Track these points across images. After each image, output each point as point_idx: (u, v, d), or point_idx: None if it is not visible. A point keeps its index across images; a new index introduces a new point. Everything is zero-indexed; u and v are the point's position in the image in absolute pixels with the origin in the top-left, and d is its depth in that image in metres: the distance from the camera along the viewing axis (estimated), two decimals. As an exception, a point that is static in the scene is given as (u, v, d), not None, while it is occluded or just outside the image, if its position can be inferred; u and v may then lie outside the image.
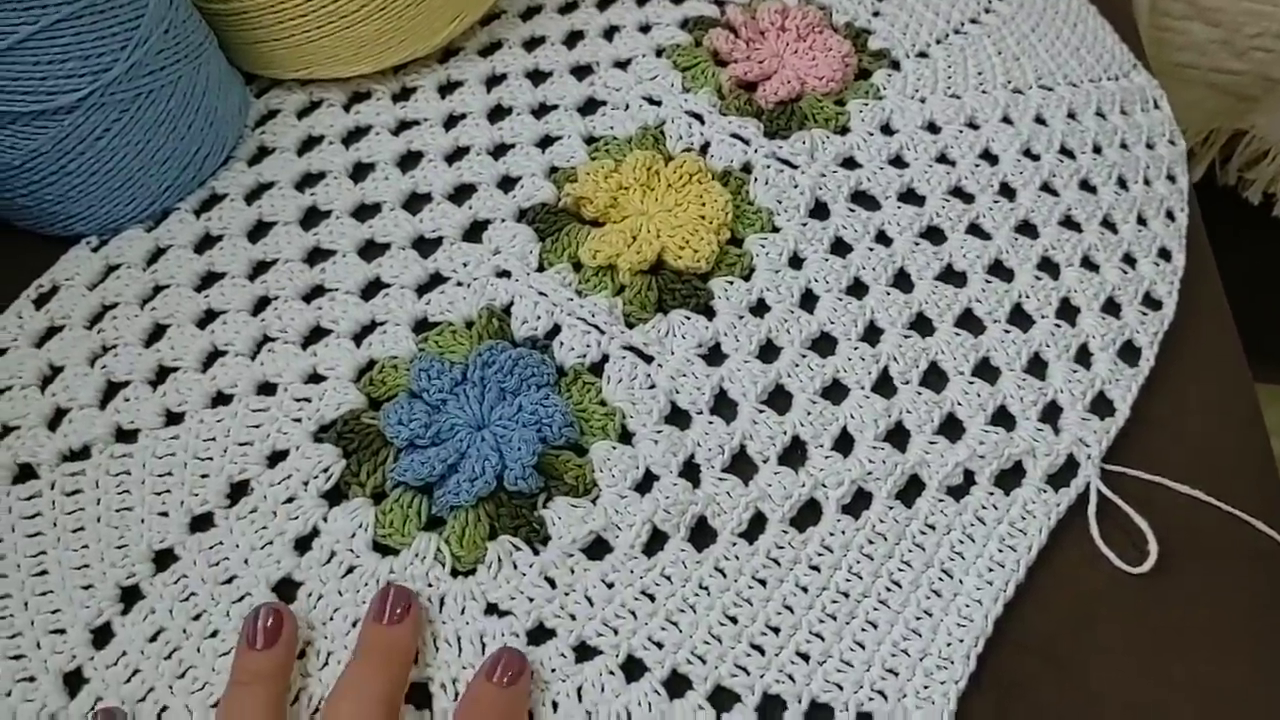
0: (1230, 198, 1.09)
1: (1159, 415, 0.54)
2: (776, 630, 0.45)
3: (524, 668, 0.42)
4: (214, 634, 0.44)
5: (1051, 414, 0.53)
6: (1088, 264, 0.59)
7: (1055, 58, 0.70)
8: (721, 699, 0.44)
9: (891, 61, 0.69)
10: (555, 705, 0.43)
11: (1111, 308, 0.57)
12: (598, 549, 0.47)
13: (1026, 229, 0.60)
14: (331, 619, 0.45)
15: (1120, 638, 0.47)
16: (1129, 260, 0.59)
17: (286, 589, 0.46)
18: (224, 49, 0.60)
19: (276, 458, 0.49)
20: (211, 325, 0.53)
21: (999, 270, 0.58)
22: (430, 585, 0.46)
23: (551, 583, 0.46)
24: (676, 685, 0.44)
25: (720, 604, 0.46)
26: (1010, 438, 0.51)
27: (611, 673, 0.44)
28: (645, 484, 0.49)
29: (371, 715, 0.40)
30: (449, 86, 0.65)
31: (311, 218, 0.58)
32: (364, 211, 0.58)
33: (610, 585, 0.46)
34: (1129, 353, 0.56)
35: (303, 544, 0.47)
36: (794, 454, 0.50)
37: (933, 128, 0.64)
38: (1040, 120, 0.66)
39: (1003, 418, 0.52)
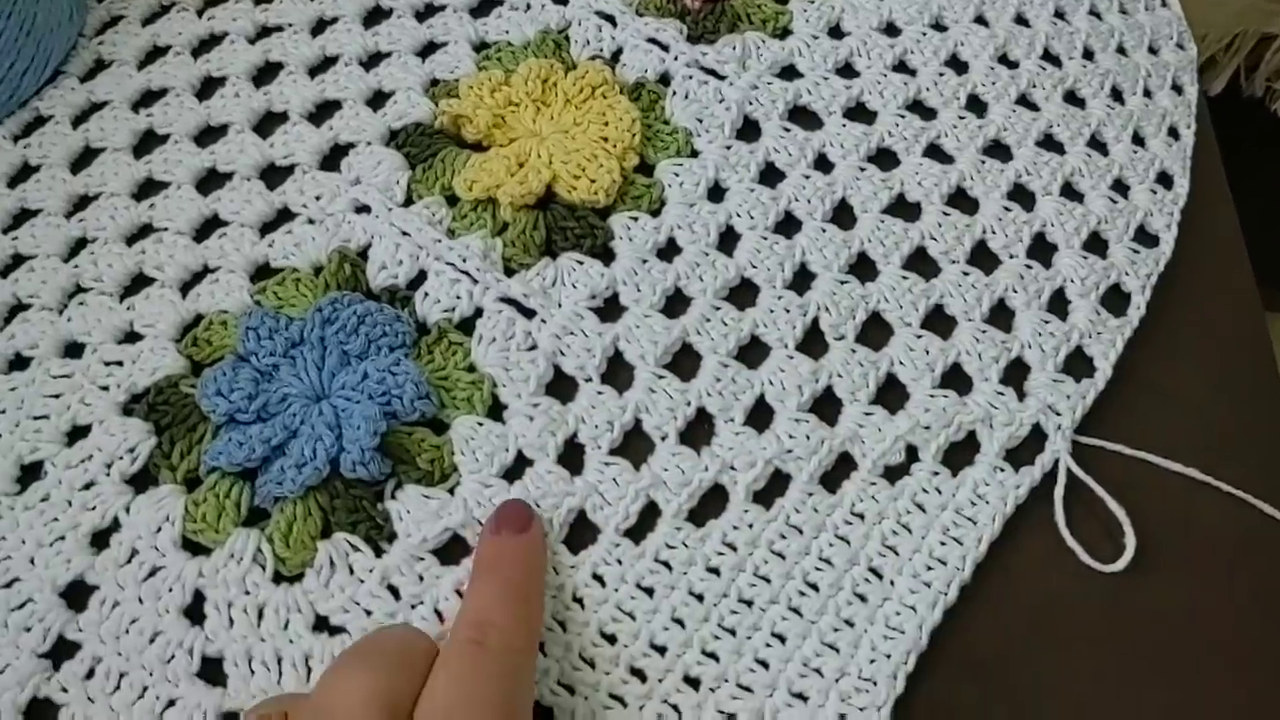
0: (1256, 112, 0.98)
1: (1148, 377, 0.45)
2: (662, 650, 0.38)
3: (530, 513, 0.38)
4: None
5: (1016, 374, 0.44)
6: (1069, 192, 0.49)
7: (1045, -56, 0.60)
8: (587, 738, 0.36)
9: (849, -50, 0.58)
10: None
11: (1096, 245, 0.48)
12: (454, 551, 0.39)
13: (997, 150, 0.50)
14: (128, 631, 0.37)
15: (1088, 655, 0.39)
16: (1120, 187, 0.50)
17: (78, 593, 0.39)
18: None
19: (76, 434, 0.42)
20: (15, 273, 0.45)
21: (961, 200, 0.48)
22: (247, 593, 0.38)
23: (395, 593, 0.38)
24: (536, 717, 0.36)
25: (596, 620, 0.38)
26: (962, 403, 0.42)
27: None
28: (516, 469, 0.41)
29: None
30: (322, -15, 0.55)
31: (146, 143, 0.50)
32: (208, 135, 0.50)
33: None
34: (1115, 299, 0.46)
35: (100, 539, 0.39)
36: (698, 430, 0.42)
37: (891, 29, 0.54)
38: (1021, 20, 0.55)
39: (955, 379, 0.43)
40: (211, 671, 0.37)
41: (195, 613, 0.38)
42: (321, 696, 0.31)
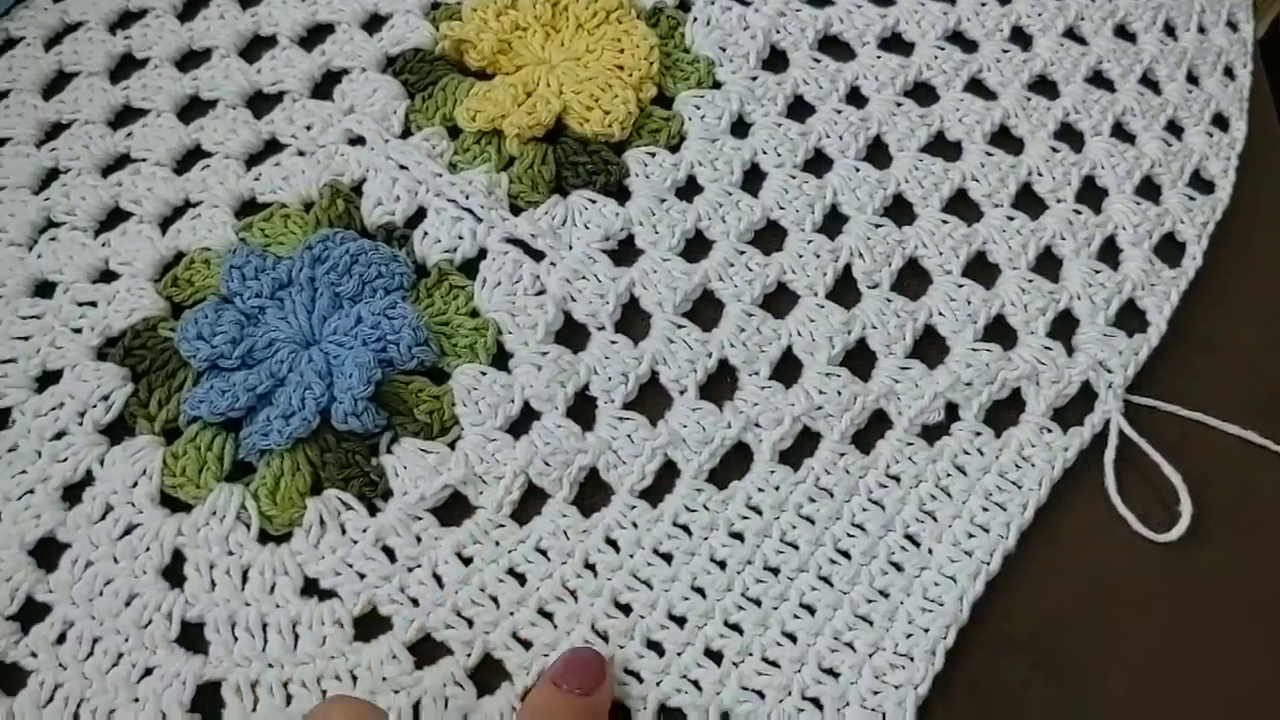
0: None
1: (1206, 333, 0.42)
2: (681, 622, 0.34)
3: (603, 672, 0.32)
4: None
5: (1064, 327, 0.40)
6: (1120, 133, 0.45)
7: None
8: (604, 715, 0.33)
9: None
10: (384, 722, 0.33)
11: (1149, 190, 0.44)
12: (454, 510, 0.36)
13: (1043, 87, 0.47)
14: (101, 593, 0.35)
15: (1138, 628, 0.36)
16: (1174, 129, 0.46)
17: (48, 552, 0.36)
18: None
19: (47, 380, 0.39)
20: (-19, 206, 0.41)
21: (1004, 139, 0.45)
22: (231, 553, 0.35)
23: (390, 554, 0.35)
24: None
25: (609, 588, 0.35)
26: (1007, 358, 0.39)
27: (459, 683, 0.33)
28: (522, 423, 0.38)
29: None
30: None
31: (124, 68, 0.46)
32: (190, 60, 0.46)
33: (467, 561, 0.35)
34: (1169, 249, 0.43)
35: (71, 494, 0.37)
36: (720, 383, 0.39)
37: (929, -46, 0.50)
38: (1068, -52, 0.51)
39: (999, 332, 0.40)
40: (191, 637, 0.34)
41: (174, 574, 0.35)
42: None
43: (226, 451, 0.36)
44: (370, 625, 0.34)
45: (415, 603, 0.34)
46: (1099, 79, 0.47)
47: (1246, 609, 0.37)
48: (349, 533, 0.35)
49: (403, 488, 0.36)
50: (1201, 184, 0.45)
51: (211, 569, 0.35)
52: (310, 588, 0.35)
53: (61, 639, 0.34)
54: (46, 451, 0.37)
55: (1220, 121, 0.47)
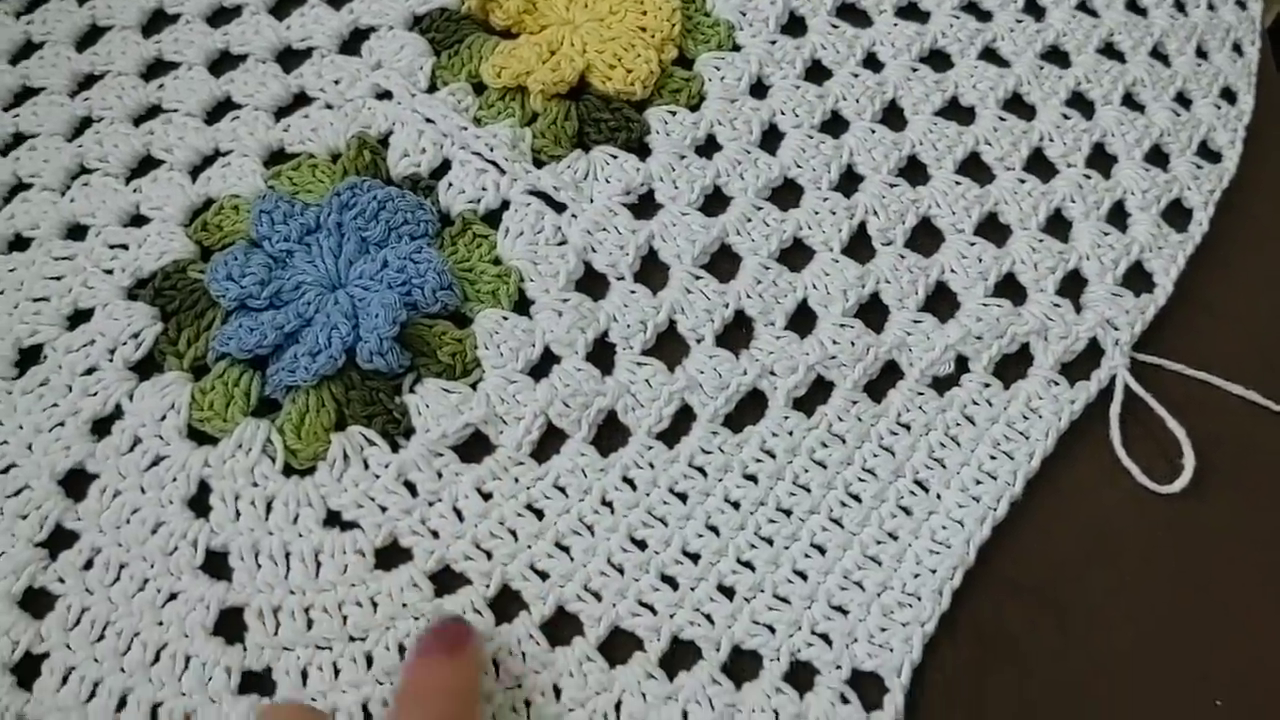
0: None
1: (1209, 296, 0.43)
2: (695, 558, 0.35)
3: (468, 634, 0.32)
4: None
5: (1073, 286, 0.41)
6: (1130, 103, 0.46)
7: None
8: (617, 645, 0.34)
9: None
10: (402, 649, 0.33)
11: (1158, 158, 0.45)
12: (474, 448, 0.37)
13: (1055, 56, 0.47)
14: (128, 522, 0.36)
15: (1141, 577, 0.37)
16: (1183, 100, 0.47)
17: (76, 482, 0.36)
18: None
19: (78, 318, 0.40)
20: (16, 152, 0.43)
21: (1017, 106, 0.46)
22: (255, 485, 0.36)
23: (411, 489, 0.36)
24: (561, 628, 0.35)
25: (625, 524, 0.36)
26: (1017, 314, 0.40)
27: (478, 610, 0.34)
28: (542, 366, 0.38)
29: None
30: None
31: (156, 22, 0.47)
32: (221, 16, 0.47)
33: (487, 496, 0.36)
34: (1177, 214, 0.44)
35: (101, 427, 0.37)
36: (736, 333, 0.39)
37: (945, -73, 0.51)
38: (1082, -77, 0.52)
39: (1009, 289, 0.41)
40: (216, 565, 0.35)
41: (200, 504, 0.36)
42: None
43: (253, 388, 0.37)
44: (391, 556, 0.35)
45: (435, 535, 0.35)
46: (1110, 50, 0.48)
47: (1247, 562, 0.38)
48: (371, 467, 0.36)
49: (425, 425, 0.37)
50: (1209, 155, 0.46)
51: (237, 499, 0.36)
52: (333, 519, 0.36)
53: (89, 565, 0.35)
54: (77, 386, 0.37)
55: (1228, 95, 0.48)
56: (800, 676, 0.34)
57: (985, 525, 0.36)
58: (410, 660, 0.32)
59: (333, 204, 0.39)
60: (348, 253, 0.39)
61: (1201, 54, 0.49)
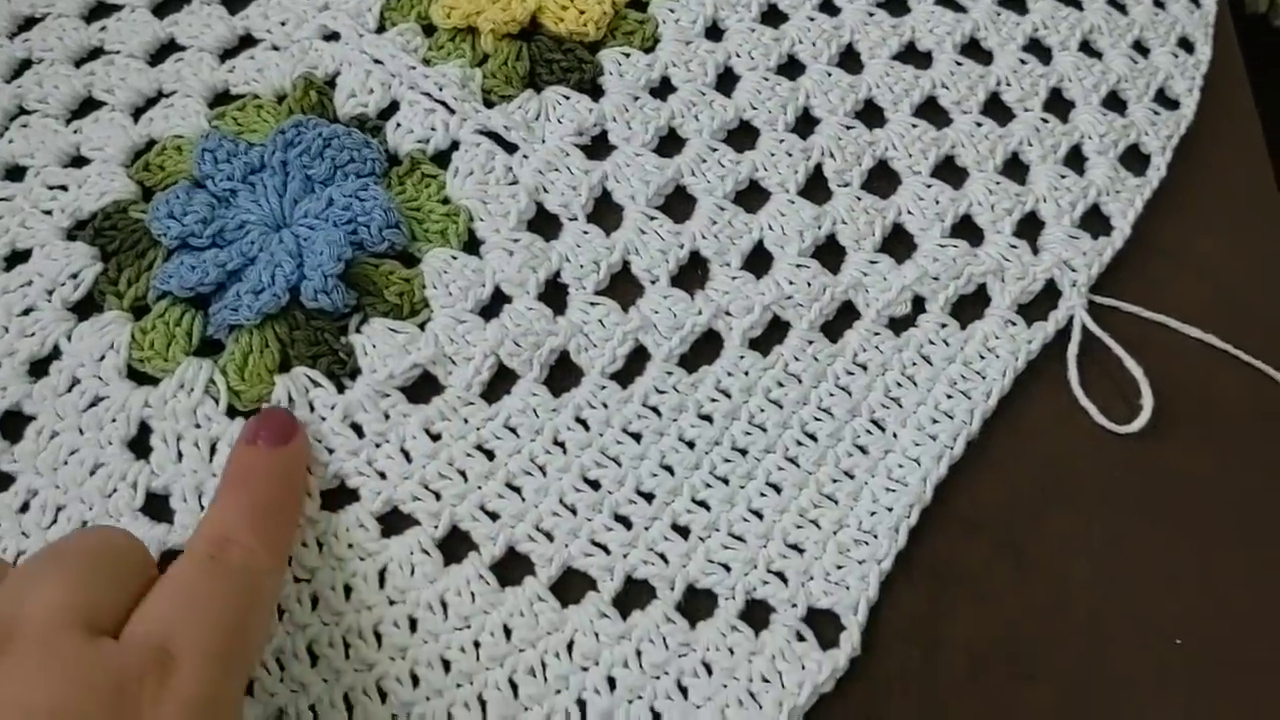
0: (1259, 31, 0.95)
1: (1167, 240, 0.43)
2: (649, 497, 0.35)
3: (294, 426, 0.34)
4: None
5: (1030, 229, 0.41)
6: (1088, 49, 0.46)
7: None
8: (569, 586, 0.34)
9: None
10: (348, 590, 0.33)
11: (1115, 103, 0.45)
12: (423, 389, 0.36)
13: (1012, 3, 0.47)
14: (66, 463, 0.34)
15: (1098, 516, 0.37)
16: (1140, 48, 0.47)
17: (13, 424, 0.35)
18: None
19: (16, 259, 0.38)
20: (-50, 95, 0.41)
21: (974, 51, 0.45)
22: (198, 426, 0.35)
23: (358, 430, 0.35)
24: (511, 568, 0.34)
25: (578, 464, 0.35)
26: (974, 254, 0.40)
27: (426, 551, 0.33)
28: (493, 306, 0.38)
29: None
30: None
31: (98, -35, 0.45)
32: (165, -41, 0.45)
33: (435, 437, 0.35)
34: (1134, 159, 0.44)
35: (39, 368, 0.36)
36: (691, 273, 0.39)
37: None
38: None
39: (966, 231, 0.40)
40: (156, 507, 0.34)
41: (140, 445, 0.35)
42: (1, 605, 0.25)
43: (195, 328, 0.36)
44: (338, 497, 0.34)
45: (383, 476, 0.34)
46: (1068, -1, 0.48)
47: (1205, 502, 0.37)
48: (317, 409, 0.35)
49: (371, 366, 0.36)
50: (1167, 102, 0.46)
51: (179, 440, 0.35)
52: (278, 461, 0.35)
53: (25, 508, 0.34)
54: (14, 327, 0.36)
55: (1186, 45, 0.48)
56: (756, 615, 0.34)
57: (942, 464, 0.36)
58: (237, 445, 0.33)
59: (277, 142, 0.38)
60: (292, 191, 0.38)
61: (1159, 4, 0.49)
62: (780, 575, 0.34)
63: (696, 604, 0.34)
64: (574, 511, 0.34)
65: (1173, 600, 0.35)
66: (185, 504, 0.34)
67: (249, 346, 0.36)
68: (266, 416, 0.34)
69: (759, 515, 0.35)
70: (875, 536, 0.35)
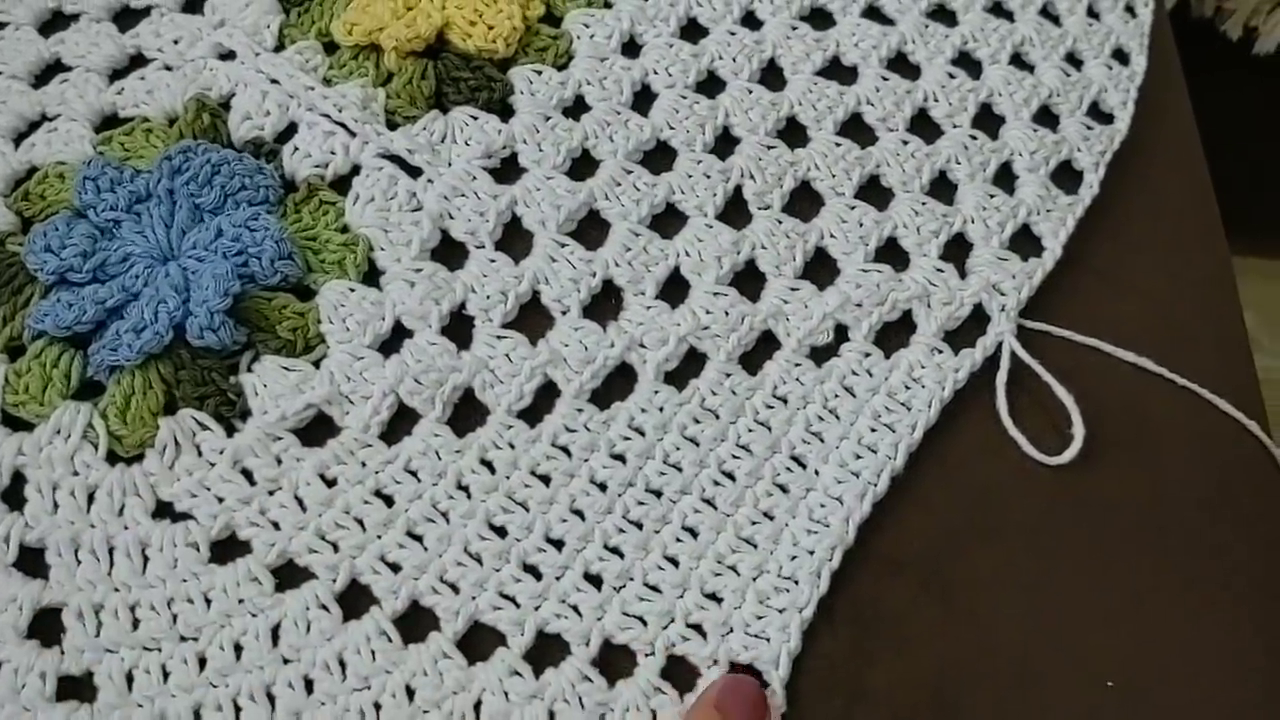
0: (1206, 34, 0.94)
1: (1100, 260, 0.42)
2: (559, 545, 0.33)
3: (764, 707, 0.31)
4: None
5: (957, 251, 0.40)
6: (1018, 62, 0.45)
7: None
8: (477, 641, 0.32)
9: None
10: (238, 649, 0.31)
11: (1047, 118, 0.43)
12: (317, 431, 0.34)
13: (941, 15, 0.46)
14: (-69, 522, 0.32)
15: (1028, 552, 0.35)
16: (1073, 60, 0.46)
17: None
18: None
19: (-120, 299, 0.35)
20: None
21: (902, 65, 0.44)
22: (75, 474, 0.33)
23: (249, 476, 0.33)
24: (415, 623, 0.32)
25: (483, 510, 0.33)
26: (898, 279, 0.38)
27: (323, 606, 0.31)
28: (393, 341, 0.36)
29: None
30: None
31: (-20, -19, 0.43)
32: (53, -27, 0.43)
33: (331, 483, 0.33)
34: (1067, 176, 0.42)
35: (-98, 416, 0.33)
36: (604, 303, 0.37)
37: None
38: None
39: (891, 254, 0.39)
40: (30, 562, 0.32)
41: (14, 496, 0.33)
42: None
43: (74, 369, 0.34)
44: (228, 549, 0.32)
45: (276, 526, 0.33)
46: (998, 9, 0.46)
47: (1138, 535, 0.36)
48: (205, 454, 0.33)
49: (262, 407, 0.34)
50: (1100, 116, 0.45)
51: (55, 490, 0.33)
52: (162, 510, 0.33)
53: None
54: (-124, 372, 0.34)
55: (1120, 57, 0.47)
56: (677, 671, 0.32)
57: (865, 502, 0.34)
58: (701, 706, 0.30)
59: (163, 168, 0.36)
60: (180, 221, 0.36)
61: (1093, 14, 0.48)
62: (698, 628, 0.32)
63: (614, 659, 0.32)
64: (480, 561, 0.33)
65: (1105, 639, 0.34)
66: (60, 558, 0.32)
67: (131, 388, 0.33)
68: (739, 692, 0.30)
69: (674, 562, 0.33)
70: (796, 583, 0.33)
